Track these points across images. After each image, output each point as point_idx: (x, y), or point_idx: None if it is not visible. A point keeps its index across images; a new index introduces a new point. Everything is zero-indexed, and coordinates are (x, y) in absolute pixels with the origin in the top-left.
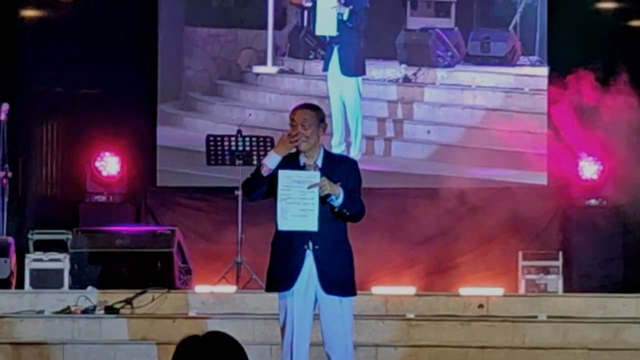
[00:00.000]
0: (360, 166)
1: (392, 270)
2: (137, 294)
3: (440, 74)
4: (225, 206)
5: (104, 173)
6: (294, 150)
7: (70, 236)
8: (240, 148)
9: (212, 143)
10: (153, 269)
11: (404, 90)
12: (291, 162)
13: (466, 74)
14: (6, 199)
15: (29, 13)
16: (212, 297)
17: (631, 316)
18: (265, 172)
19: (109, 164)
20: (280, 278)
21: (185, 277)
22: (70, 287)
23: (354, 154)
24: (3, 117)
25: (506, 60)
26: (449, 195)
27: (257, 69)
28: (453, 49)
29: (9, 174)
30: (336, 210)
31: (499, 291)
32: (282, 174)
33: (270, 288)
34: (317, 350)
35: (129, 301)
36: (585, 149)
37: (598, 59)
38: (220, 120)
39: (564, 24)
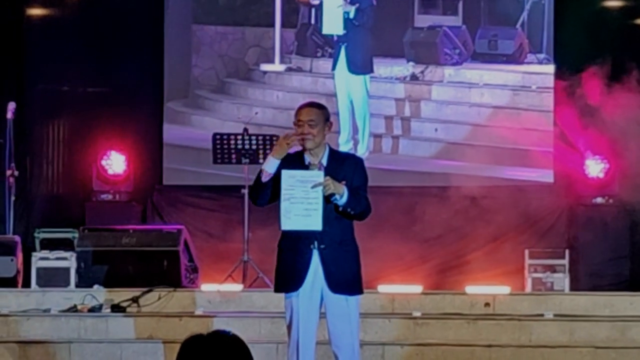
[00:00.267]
0: (367, 164)
1: (398, 269)
2: (144, 293)
3: (448, 71)
4: (232, 204)
5: (110, 171)
6: (299, 148)
7: (76, 235)
8: (247, 146)
9: (218, 141)
10: (159, 268)
11: (412, 88)
12: (296, 161)
13: (473, 72)
14: (13, 198)
15: (35, 12)
16: (219, 296)
17: (638, 314)
18: (265, 177)
19: (115, 163)
20: (288, 279)
21: (191, 275)
22: (77, 286)
23: (361, 152)
24: (10, 115)
25: (513, 58)
26: (455, 193)
27: (265, 66)
28: (460, 46)
29: (16, 173)
30: (340, 209)
31: (505, 289)
32: (285, 173)
33: (279, 289)
34: (323, 348)
35: (135, 300)
36: (591, 148)
37: (605, 57)
38: (228, 118)
39: (572, 22)
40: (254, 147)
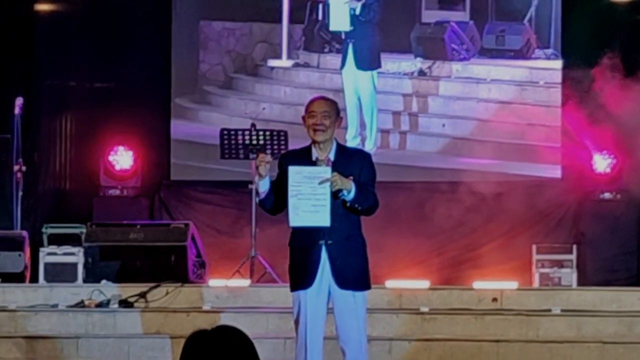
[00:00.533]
0: (375, 160)
1: (406, 264)
2: (151, 288)
3: (455, 67)
4: (239, 200)
5: (117, 167)
6: (306, 144)
7: (84, 230)
8: (255, 142)
9: (225, 137)
10: (167, 263)
11: (419, 84)
12: (303, 157)
13: (481, 67)
14: (20, 193)
15: (43, 7)
16: (226, 291)
17: None
18: (262, 195)
19: (123, 158)
20: (300, 276)
21: (199, 270)
22: (85, 281)
23: (368, 147)
24: (17, 111)
25: (521, 54)
26: (463, 189)
27: (272, 62)
28: (468, 42)
29: (24, 168)
30: (348, 205)
31: (512, 285)
32: (292, 170)
33: (293, 287)
34: (331, 344)
35: (143, 295)
36: (599, 144)
37: (613, 52)
38: (235, 113)
39: (579, 17)
40: (261, 142)
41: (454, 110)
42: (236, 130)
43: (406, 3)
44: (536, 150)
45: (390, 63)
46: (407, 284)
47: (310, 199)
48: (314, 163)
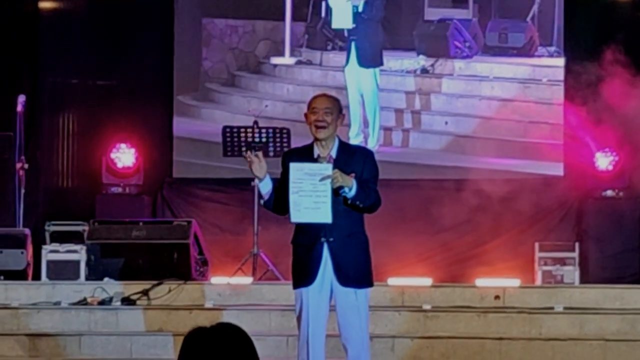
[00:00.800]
0: (377, 157)
1: (408, 262)
2: (154, 285)
3: (458, 65)
4: (242, 197)
5: (120, 165)
6: (308, 142)
7: (86, 228)
8: (257, 139)
9: (228, 134)
10: (170, 261)
11: (422, 81)
12: (305, 154)
13: (484, 65)
14: (23, 191)
15: (46, 5)
16: (229, 289)
17: None
18: (266, 196)
19: (125, 156)
20: (302, 274)
21: (201, 268)
22: (87, 279)
23: (371, 145)
24: (20, 108)
25: (524, 51)
26: (465, 186)
27: (275, 60)
28: (471, 40)
29: (26, 166)
30: (349, 202)
31: (515, 282)
32: (294, 166)
33: (295, 285)
34: (333, 341)
35: (145, 292)
36: (601, 141)
37: (616, 49)
38: (238, 111)
39: (582, 15)
40: (264, 139)
41: (456, 108)
42: (239, 128)
43: (409, 0)
44: (539, 147)
45: (393, 61)
46: (409, 281)
47: (311, 196)
48: (315, 160)
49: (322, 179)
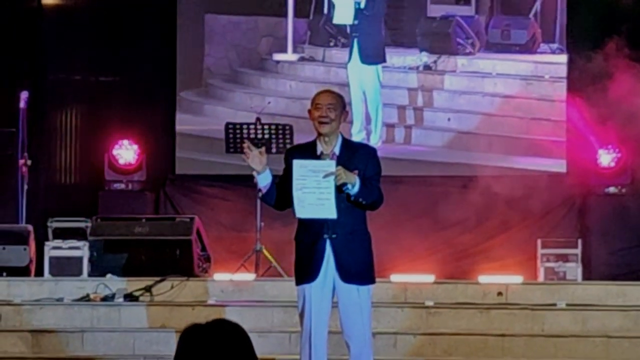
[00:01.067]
0: (380, 154)
1: (411, 258)
2: (157, 282)
3: (461, 61)
4: (245, 194)
5: (122, 161)
6: (311, 138)
7: (89, 224)
8: (260, 136)
9: (231, 131)
10: (172, 257)
11: (425, 78)
12: (308, 150)
13: (486, 62)
14: (26, 187)
15: (49, 1)
16: (231, 285)
17: None
18: (264, 190)
19: (127, 152)
20: (305, 270)
21: (204, 264)
22: (90, 275)
23: (373, 141)
24: (22, 104)
25: (526, 48)
26: (468, 183)
27: (278, 56)
28: (473, 36)
29: (29, 162)
30: (352, 199)
31: (518, 279)
32: (297, 163)
33: (298, 281)
34: (335, 338)
35: (148, 289)
36: (604, 138)
37: (619, 46)
38: (240, 107)
39: (585, 12)
40: (266, 136)
41: (459, 105)
42: (241, 124)
43: None
44: (541, 144)
45: (396, 57)
46: (412, 278)
47: (315, 193)
48: (318, 157)
49: (326, 176)
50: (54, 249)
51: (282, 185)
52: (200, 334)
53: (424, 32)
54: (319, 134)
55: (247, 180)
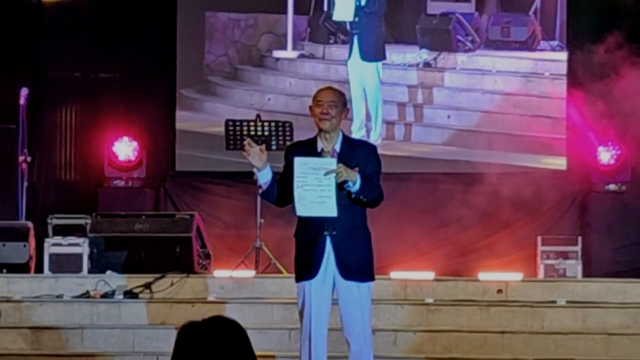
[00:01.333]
0: (380, 151)
1: (410, 255)
2: (156, 279)
3: (461, 58)
4: (245, 191)
5: (122, 158)
6: (312, 135)
7: (89, 221)
8: (260, 133)
9: (231, 127)
10: (172, 254)
11: (424, 75)
12: (309, 148)
13: (486, 59)
14: (25, 184)
15: None
16: (231, 282)
17: None
18: (263, 187)
19: (127, 149)
20: (305, 267)
21: (204, 261)
22: (90, 272)
23: (373, 138)
24: (22, 101)
25: (526, 45)
26: (468, 180)
27: (277, 53)
28: (473, 33)
29: (28, 159)
30: (353, 196)
31: (518, 276)
32: (298, 161)
33: (297, 278)
34: (335, 335)
35: (148, 286)
36: (604, 135)
37: (619, 44)
38: (240, 104)
39: (585, 9)
40: (266, 133)
41: (459, 102)
42: (241, 121)
43: None
44: (541, 141)
45: (396, 54)
46: (412, 275)
47: (316, 190)
48: (319, 154)
49: (327, 174)
50: (54, 245)
51: (283, 182)
52: (197, 331)
53: (424, 29)
54: (320, 131)
55: (247, 177)
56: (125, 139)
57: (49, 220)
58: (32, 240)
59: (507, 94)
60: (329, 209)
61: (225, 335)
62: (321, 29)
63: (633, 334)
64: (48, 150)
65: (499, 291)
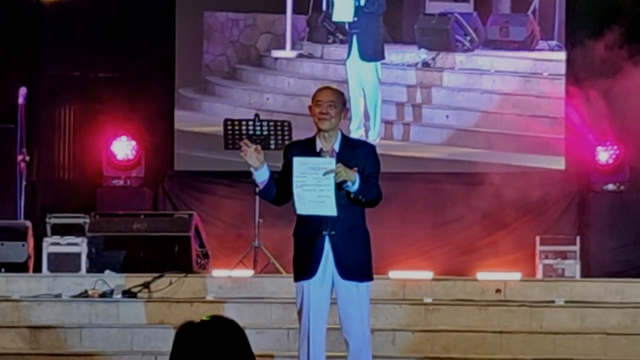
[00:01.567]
0: (378, 150)
1: (409, 255)
2: (155, 278)
3: (459, 58)
4: (243, 190)
5: (120, 157)
6: (311, 134)
7: (87, 220)
8: (258, 132)
9: (229, 127)
10: (171, 253)
11: (423, 75)
12: (308, 147)
13: (485, 59)
14: (24, 183)
15: None
16: (230, 281)
17: None
18: (261, 186)
19: (126, 148)
20: (304, 266)
21: (202, 261)
22: (88, 271)
23: (372, 138)
24: (21, 101)
25: (525, 45)
26: (466, 180)
27: (276, 53)
28: (472, 33)
29: (27, 158)
30: (352, 196)
31: (516, 276)
32: (297, 161)
33: (296, 278)
34: (334, 334)
35: (146, 285)
36: (602, 135)
37: (617, 43)
38: (239, 104)
39: (583, 9)
40: (265, 132)
41: (457, 102)
42: (240, 121)
43: None
44: (540, 141)
45: (394, 54)
46: (410, 274)
47: (315, 190)
48: (318, 154)
49: (326, 173)
50: (53, 245)
51: (281, 181)
52: (195, 330)
53: (423, 29)
54: (319, 131)
55: (245, 177)
56: (124, 138)
57: (47, 220)
58: (30, 240)
59: (505, 93)
60: (328, 208)
61: (223, 335)
62: (320, 28)
63: (631, 333)
64: (47, 150)
65: (498, 291)
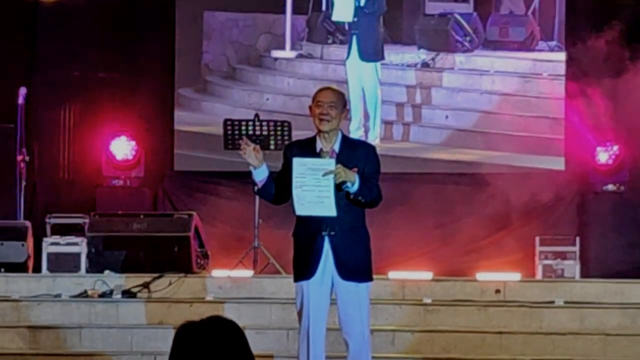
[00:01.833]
0: (378, 151)
1: (409, 255)
2: (154, 278)
3: (459, 59)
4: (243, 191)
5: (119, 157)
6: (312, 134)
7: (87, 220)
8: (258, 132)
9: (229, 127)
10: (170, 253)
11: (423, 75)
12: (308, 147)
13: (485, 59)
14: (24, 183)
15: None
16: (229, 282)
17: None
18: (260, 184)
19: (125, 148)
20: (304, 267)
21: (202, 261)
22: (88, 271)
23: (372, 138)
24: (21, 101)
25: (525, 46)
26: (466, 180)
27: (276, 53)
28: (471, 34)
29: (27, 158)
30: (352, 197)
31: (516, 276)
32: (297, 161)
33: (297, 278)
34: (334, 335)
35: (146, 285)
36: (602, 137)
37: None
38: (239, 104)
39: (583, 9)
40: (264, 133)
41: (457, 102)
42: (239, 121)
43: None
44: (539, 142)
45: (394, 54)
46: (410, 275)
47: (314, 191)
48: (318, 154)
49: (325, 174)
50: (52, 245)
51: (280, 180)
52: (195, 331)
53: (422, 30)
54: (319, 131)
55: (245, 177)
56: (124, 138)
57: (47, 220)
58: (30, 240)
59: (505, 94)
60: (328, 208)
61: (223, 335)
62: (320, 29)
63: (631, 334)
64: (47, 150)
65: (497, 291)
